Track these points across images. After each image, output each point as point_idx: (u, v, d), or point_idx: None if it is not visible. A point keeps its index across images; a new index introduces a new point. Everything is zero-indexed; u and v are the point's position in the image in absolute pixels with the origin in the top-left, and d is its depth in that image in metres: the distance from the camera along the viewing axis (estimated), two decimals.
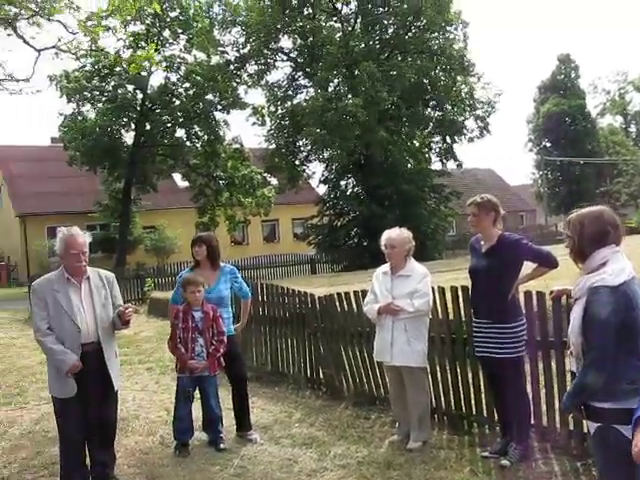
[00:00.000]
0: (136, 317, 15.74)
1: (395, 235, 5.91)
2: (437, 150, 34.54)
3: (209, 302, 6.21)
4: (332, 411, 7.06)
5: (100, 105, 29.93)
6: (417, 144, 33.67)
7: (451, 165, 35.32)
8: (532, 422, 5.43)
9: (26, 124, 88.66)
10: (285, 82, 34.49)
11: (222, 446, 6.07)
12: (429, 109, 33.61)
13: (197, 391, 6.22)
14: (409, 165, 32.94)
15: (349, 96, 29.50)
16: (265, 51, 32.98)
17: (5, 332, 13.85)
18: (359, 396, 7.21)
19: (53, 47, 7.74)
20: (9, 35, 7.74)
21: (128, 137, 31.62)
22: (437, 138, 34.27)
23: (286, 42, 34.29)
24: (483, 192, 5.77)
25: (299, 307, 8.30)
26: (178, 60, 30.59)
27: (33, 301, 5.24)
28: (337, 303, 7.52)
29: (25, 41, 7.58)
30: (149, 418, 7.13)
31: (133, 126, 31.28)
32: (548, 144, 61.71)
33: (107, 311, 5.28)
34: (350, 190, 34.55)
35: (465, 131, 33.39)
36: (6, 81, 7.77)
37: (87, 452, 5.30)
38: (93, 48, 8.37)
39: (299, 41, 33.04)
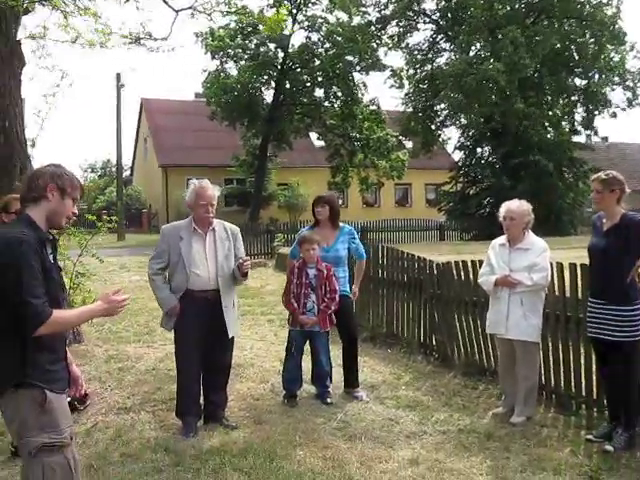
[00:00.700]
0: (264, 270, 16.43)
1: (515, 207, 5.81)
2: (579, 121, 32.99)
3: (325, 260, 6.37)
4: (440, 377, 7.10)
5: (242, 62, 30.72)
6: (559, 113, 32.26)
7: (595, 138, 33.68)
8: None
9: (174, 80, 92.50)
10: (426, 45, 34.00)
11: (328, 400, 6.26)
12: (574, 77, 32.03)
13: (308, 345, 6.44)
14: (549, 136, 31.68)
15: (491, 61, 28.63)
16: (408, 12, 32.52)
17: (142, 275, 14.67)
18: (469, 366, 7.20)
19: (190, 8, 8.04)
20: None
21: (268, 95, 32.39)
22: (580, 109, 32.72)
23: (429, 4, 33.83)
24: (629, 168, 5.53)
25: (417, 272, 8.34)
26: (320, 20, 30.77)
27: (158, 243, 5.62)
28: (454, 271, 7.50)
29: (165, 1, 7.94)
30: (263, 367, 7.45)
31: (273, 84, 31.94)
32: None
33: (229, 262, 5.55)
34: (485, 158, 33.74)
35: (611, 102, 31.68)
36: (145, 39, 8.18)
37: (202, 392, 5.66)
38: (227, 9, 8.61)
39: (442, 3, 32.35)
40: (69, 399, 4.44)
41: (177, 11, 8.28)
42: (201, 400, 5.67)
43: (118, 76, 32.46)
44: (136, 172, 49.20)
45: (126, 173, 47.58)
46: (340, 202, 40.29)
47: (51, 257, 3.20)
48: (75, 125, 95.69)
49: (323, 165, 35.65)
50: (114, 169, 40.47)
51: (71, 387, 3.47)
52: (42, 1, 7.92)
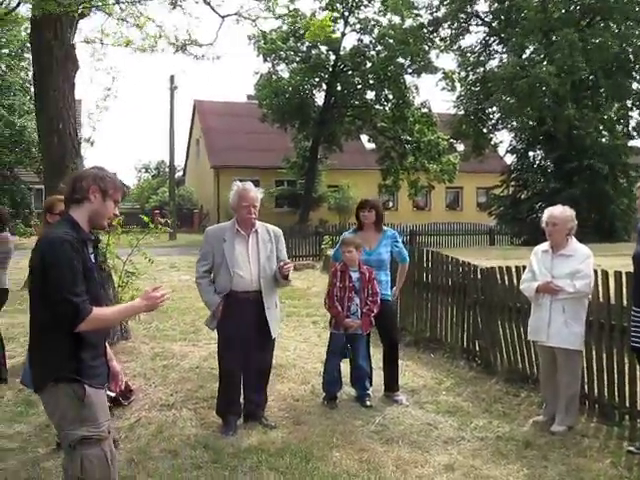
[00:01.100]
0: (311, 272, 16.49)
1: (558, 213, 5.76)
2: (635, 126, 32.17)
3: (368, 263, 6.40)
4: (482, 384, 7.05)
5: (294, 65, 30.95)
6: (615, 117, 31.55)
7: None
8: None
9: (226, 81, 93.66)
10: (478, 47, 33.69)
11: (368, 403, 6.28)
12: (631, 81, 31.27)
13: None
14: (603, 140, 31.02)
15: (544, 64, 28.18)
16: (460, 15, 32.28)
17: (191, 275, 14.88)
18: (511, 372, 7.12)
19: (235, 14, 8.17)
20: (197, 2, 8.27)
21: (319, 97, 32.57)
22: (635, 112, 31.95)
23: (482, 6, 33.59)
24: None
25: (461, 277, 8.29)
26: (372, 23, 30.80)
27: (202, 245, 5.72)
28: (498, 276, 7.43)
29: (212, 8, 8.08)
30: (305, 368, 7.49)
31: (324, 86, 32.09)
32: None
33: (271, 264, 5.62)
34: (538, 162, 33.25)
35: None
36: (191, 45, 8.32)
37: (242, 391, 5.74)
38: (272, 15, 8.75)
39: (495, 5, 32.01)
40: (114, 395, 4.58)
41: (223, 17, 8.41)
42: (241, 399, 5.75)
43: (172, 78, 33.05)
44: (188, 173, 49.92)
45: (179, 174, 48.31)
46: (390, 205, 40.22)
47: (92, 257, 3.32)
48: (131, 126, 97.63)
49: (373, 167, 35.61)
50: (167, 169, 41.15)
51: (110, 382, 3.58)
52: (96, 7, 8.13)
